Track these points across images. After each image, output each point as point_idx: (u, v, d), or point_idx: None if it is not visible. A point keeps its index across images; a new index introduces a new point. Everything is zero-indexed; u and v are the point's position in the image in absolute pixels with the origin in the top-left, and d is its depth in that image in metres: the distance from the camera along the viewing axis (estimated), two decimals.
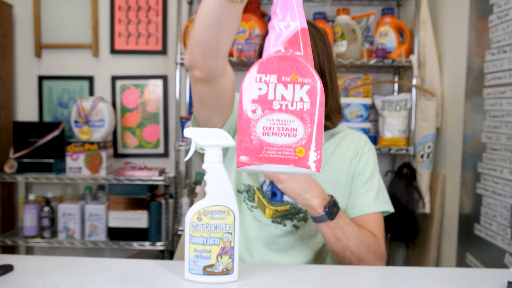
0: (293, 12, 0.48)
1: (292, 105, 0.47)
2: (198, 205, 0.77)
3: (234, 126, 1.02)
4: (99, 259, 0.90)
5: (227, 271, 0.77)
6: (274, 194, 0.92)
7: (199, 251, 0.77)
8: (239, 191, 1.08)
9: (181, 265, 0.81)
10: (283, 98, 0.48)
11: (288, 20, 0.48)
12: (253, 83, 0.48)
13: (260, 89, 0.48)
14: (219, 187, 0.76)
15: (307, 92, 0.48)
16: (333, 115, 1.09)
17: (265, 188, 1.06)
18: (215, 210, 0.77)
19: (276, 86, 0.47)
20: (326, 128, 1.10)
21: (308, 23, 1.10)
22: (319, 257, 1.10)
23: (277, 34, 0.48)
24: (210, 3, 0.71)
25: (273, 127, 0.48)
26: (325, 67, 1.05)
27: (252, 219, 1.07)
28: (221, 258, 0.77)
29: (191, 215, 0.77)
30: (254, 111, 0.49)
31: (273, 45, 0.48)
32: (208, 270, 0.77)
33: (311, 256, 1.07)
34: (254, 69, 0.48)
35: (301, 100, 0.47)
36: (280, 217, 1.05)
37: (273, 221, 1.05)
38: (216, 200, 0.77)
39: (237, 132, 0.50)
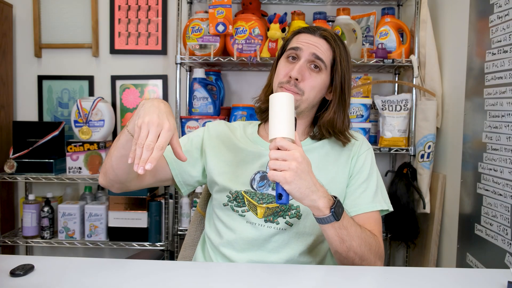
0: None
1: None
2: None
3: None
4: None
5: None
6: (280, 196, 0.86)
7: None
8: (224, 205, 1.10)
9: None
10: None
11: None
12: None
13: None
14: None
15: None
16: (347, 133, 1.12)
17: (255, 185, 1.07)
18: None
19: None
20: (343, 144, 1.12)
21: (337, 37, 1.10)
22: (316, 255, 1.09)
23: None
24: (121, 136, 0.89)
25: None
26: (346, 85, 1.09)
27: (245, 224, 1.07)
28: None
29: None
30: None
31: None
32: None
33: (306, 254, 1.07)
34: None
35: None
36: (272, 215, 1.06)
37: (266, 221, 1.06)
38: None
39: None
